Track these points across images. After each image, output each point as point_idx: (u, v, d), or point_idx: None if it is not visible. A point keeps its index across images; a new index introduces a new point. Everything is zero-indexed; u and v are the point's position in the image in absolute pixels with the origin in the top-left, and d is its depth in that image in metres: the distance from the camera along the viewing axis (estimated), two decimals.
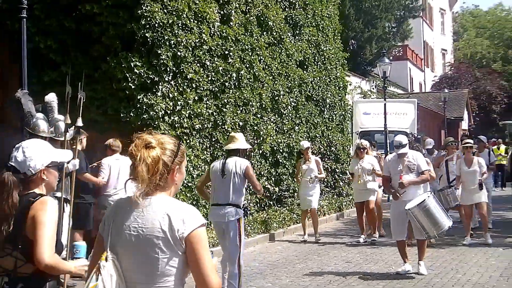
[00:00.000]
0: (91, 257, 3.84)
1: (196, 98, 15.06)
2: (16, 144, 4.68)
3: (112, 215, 3.72)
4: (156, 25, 13.87)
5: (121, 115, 13.65)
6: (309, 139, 20.44)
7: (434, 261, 13.02)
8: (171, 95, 14.24)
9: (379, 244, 15.22)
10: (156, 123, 13.83)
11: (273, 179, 18.65)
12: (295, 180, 17.88)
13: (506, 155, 29.38)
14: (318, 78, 22.39)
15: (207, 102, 15.48)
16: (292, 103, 20.19)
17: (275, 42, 19.41)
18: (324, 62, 23.23)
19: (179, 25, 14.49)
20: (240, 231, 9.77)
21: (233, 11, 16.78)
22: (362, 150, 15.78)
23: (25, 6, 11.29)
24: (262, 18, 18.57)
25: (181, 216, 3.54)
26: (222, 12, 16.41)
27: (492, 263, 12.73)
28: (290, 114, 20.03)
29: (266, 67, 18.61)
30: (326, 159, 22.30)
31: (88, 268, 3.95)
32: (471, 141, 16.04)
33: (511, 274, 11.58)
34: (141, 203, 3.58)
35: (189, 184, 14.56)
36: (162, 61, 13.97)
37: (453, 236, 15.43)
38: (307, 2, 21.93)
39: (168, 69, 14.17)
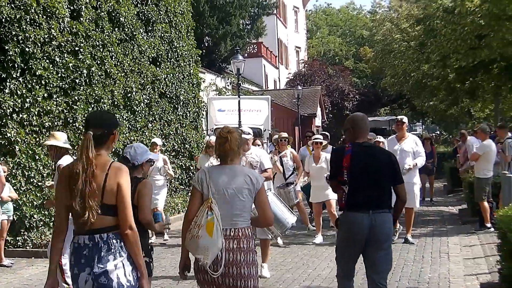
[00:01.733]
0: (189, 206, 6.07)
1: (46, 95, 14.75)
2: None
3: (206, 176, 5.95)
4: (3, 20, 13.54)
5: None
6: (163, 136, 20.44)
7: (286, 257, 13.16)
8: (19, 92, 13.92)
9: None
10: (4, 121, 13.53)
11: None
12: None
13: None
14: (172, 75, 22.41)
15: (57, 99, 15.17)
16: (145, 100, 20.11)
17: (127, 38, 19.26)
18: (178, 59, 23.23)
19: (27, 20, 14.14)
20: None
21: (83, 7, 16.50)
22: (212, 148, 15.33)
23: None
24: (113, 14, 18.39)
25: (255, 177, 6.03)
26: (72, 8, 16.12)
27: None
28: (143, 111, 19.93)
29: (118, 63, 18.43)
30: (180, 156, 22.37)
31: (189, 211, 5.99)
32: (320, 136, 15.82)
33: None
34: (229, 168, 6.01)
35: (39, 184, 14.27)
36: (9, 57, 13.67)
37: (302, 231, 15.70)
38: None
39: (16, 66, 13.85)
